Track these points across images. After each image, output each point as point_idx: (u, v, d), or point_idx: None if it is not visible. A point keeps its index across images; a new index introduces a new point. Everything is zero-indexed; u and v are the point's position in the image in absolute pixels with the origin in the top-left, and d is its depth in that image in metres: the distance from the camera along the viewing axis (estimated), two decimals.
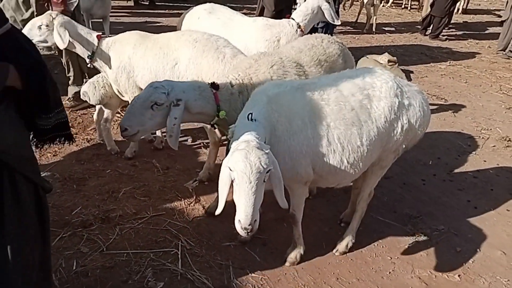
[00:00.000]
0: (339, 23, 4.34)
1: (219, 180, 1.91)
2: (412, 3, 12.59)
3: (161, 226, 2.77)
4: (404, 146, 2.51)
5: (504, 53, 7.87)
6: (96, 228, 2.72)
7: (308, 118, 2.19)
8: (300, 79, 2.72)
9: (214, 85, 2.49)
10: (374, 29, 9.21)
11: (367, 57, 6.40)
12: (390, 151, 2.47)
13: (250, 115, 2.03)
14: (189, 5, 6.18)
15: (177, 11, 8.91)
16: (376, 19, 9.29)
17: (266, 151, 1.81)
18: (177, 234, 2.71)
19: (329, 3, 4.07)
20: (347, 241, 2.71)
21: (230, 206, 3.01)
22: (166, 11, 9.22)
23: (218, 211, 1.97)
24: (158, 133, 3.75)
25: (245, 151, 1.77)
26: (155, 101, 2.26)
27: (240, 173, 1.75)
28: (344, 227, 2.87)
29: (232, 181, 1.84)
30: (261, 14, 5.87)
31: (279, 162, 2.01)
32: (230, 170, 1.79)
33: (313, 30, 4.20)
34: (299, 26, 3.84)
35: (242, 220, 1.73)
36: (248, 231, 1.74)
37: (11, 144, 1.60)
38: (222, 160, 3.54)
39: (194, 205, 3.03)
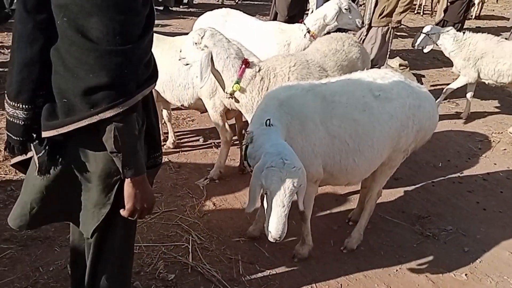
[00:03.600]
0: (360, 26, 4.18)
1: (250, 185, 1.94)
2: (425, 8, 12.57)
3: (172, 221, 2.85)
4: (413, 146, 2.56)
5: None
6: None
7: (320, 120, 2.23)
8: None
9: (246, 62, 2.76)
10: None
11: None
12: (400, 151, 2.51)
13: (268, 120, 2.06)
14: (203, 11, 6.30)
15: (191, 17, 9.06)
16: None
17: (299, 168, 1.84)
18: (188, 229, 2.78)
19: (348, 9, 3.96)
20: (355, 239, 2.74)
21: (240, 203, 3.09)
22: (180, 17, 9.37)
23: (248, 210, 1.98)
24: (171, 133, 3.84)
25: (279, 171, 1.79)
26: (193, 37, 2.71)
27: (274, 194, 1.81)
28: (352, 225, 2.91)
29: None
30: (274, 19, 5.94)
31: None
32: (264, 185, 1.83)
33: None
34: (309, 31, 3.88)
35: (273, 233, 1.83)
36: (277, 241, 1.86)
37: None
38: (233, 159, 3.64)
39: (205, 202, 3.10)
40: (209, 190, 3.24)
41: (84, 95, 1.19)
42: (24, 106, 1.29)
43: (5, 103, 1.33)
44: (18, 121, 1.31)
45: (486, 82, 4.91)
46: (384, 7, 4.73)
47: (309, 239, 2.61)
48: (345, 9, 3.93)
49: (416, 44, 5.01)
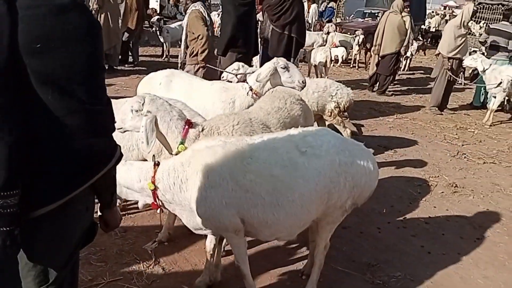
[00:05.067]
0: (303, 85, 4.18)
1: None
2: (359, 62, 13.52)
3: None
4: (350, 203, 2.52)
5: (436, 109, 8.38)
6: None
7: (229, 173, 2.26)
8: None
9: (189, 122, 2.81)
10: None
11: None
12: (335, 208, 2.48)
13: (153, 157, 2.44)
14: (148, 70, 6.38)
15: (136, 75, 9.10)
16: (327, 77, 9.89)
17: None
18: None
19: (285, 68, 3.92)
20: None
21: (191, 265, 3.00)
22: (125, 75, 9.38)
23: None
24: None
25: None
26: (132, 106, 2.70)
27: None
28: (305, 279, 2.89)
29: None
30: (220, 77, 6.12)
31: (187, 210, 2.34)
32: None
33: None
34: (251, 88, 3.97)
35: None
36: None
37: None
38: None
39: (153, 267, 2.97)
40: (158, 254, 3.12)
41: (84, 155, 1.35)
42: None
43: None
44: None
45: None
46: (193, 47, 5.54)
47: None
48: (281, 67, 3.92)
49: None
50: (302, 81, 3.92)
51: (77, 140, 1.31)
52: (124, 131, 2.84)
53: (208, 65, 5.56)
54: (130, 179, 2.39)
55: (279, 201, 2.30)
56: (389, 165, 5.33)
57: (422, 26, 20.32)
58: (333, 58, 10.99)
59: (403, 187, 4.72)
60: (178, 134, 2.77)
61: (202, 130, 2.83)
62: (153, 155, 2.51)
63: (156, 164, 2.36)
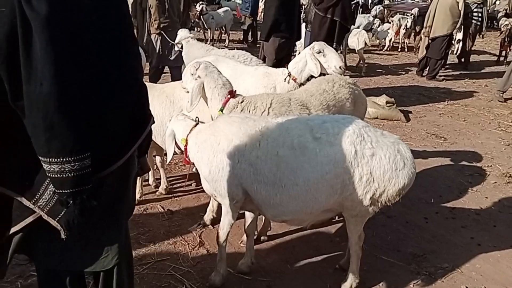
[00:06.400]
0: (340, 71, 3.85)
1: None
2: (408, 46, 13.00)
3: (165, 271, 2.80)
4: (370, 198, 2.30)
5: (501, 94, 7.79)
6: None
7: (237, 146, 2.36)
8: None
9: (231, 91, 2.99)
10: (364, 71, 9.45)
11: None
12: (354, 201, 2.33)
13: (197, 118, 2.69)
14: None
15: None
16: (365, 61, 9.60)
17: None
18: (181, 279, 2.73)
19: (321, 52, 3.84)
20: (351, 282, 2.69)
21: (234, 248, 3.06)
22: None
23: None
24: (163, 179, 3.84)
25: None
26: (190, 70, 3.06)
27: None
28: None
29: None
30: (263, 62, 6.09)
31: (201, 169, 2.55)
32: None
33: None
34: (290, 74, 3.89)
35: None
36: None
37: None
38: None
39: (198, 249, 3.07)
40: (203, 236, 3.22)
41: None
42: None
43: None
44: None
45: None
46: (151, 18, 5.95)
47: (221, 266, 2.64)
48: (317, 52, 3.84)
49: None
50: (340, 67, 3.81)
51: (132, 98, 1.51)
52: (187, 92, 3.11)
53: (163, 33, 5.88)
54: (179, 132, 2.67)
55: (283, 183, 2.29)
56: (438, 153, 5.13)
57: None
58: (381, 42, 10.65)
59: (453, 176, 4.54)
60: (220, 101, 2.94)
61: (242, 101, 2.95)
62: (197, 117, 2.72)
63: (196, 124, 2.63)
